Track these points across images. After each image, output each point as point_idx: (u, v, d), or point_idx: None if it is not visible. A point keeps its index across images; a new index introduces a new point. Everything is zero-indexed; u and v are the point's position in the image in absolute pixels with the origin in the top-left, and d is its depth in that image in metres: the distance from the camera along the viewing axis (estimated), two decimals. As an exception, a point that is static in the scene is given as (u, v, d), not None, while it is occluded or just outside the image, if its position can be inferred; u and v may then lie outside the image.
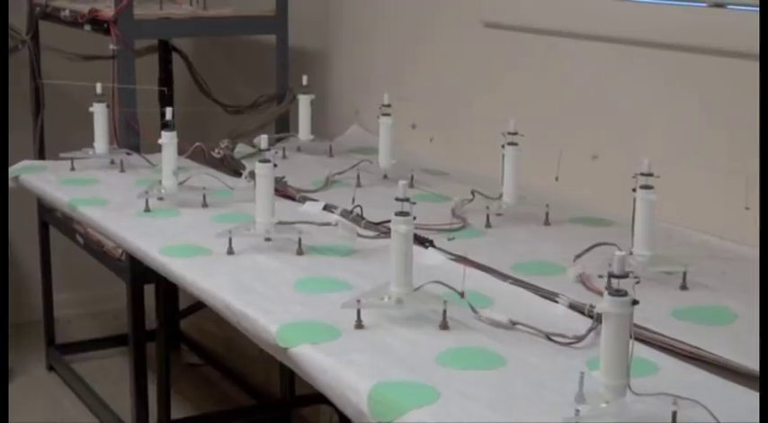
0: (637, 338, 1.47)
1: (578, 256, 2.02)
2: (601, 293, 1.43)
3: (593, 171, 2.54)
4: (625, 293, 1.38)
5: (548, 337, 1.69)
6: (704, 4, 2.32)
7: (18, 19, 3.74)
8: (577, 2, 2.63)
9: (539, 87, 2.74)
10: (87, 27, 3.21)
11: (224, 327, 2.03)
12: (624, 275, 1.38)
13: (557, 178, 2.34)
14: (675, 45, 2.35)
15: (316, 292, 1.93)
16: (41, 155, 3.72)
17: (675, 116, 2.38)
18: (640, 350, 1.57)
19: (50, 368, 3.92)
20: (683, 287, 1.94)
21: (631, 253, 1.95)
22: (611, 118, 2.54)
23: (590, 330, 1.68)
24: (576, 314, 1.79)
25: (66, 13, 3.33)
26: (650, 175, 1.94)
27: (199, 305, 3.48)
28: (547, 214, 2.37)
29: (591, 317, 1.73)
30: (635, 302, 1.39)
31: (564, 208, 2.43)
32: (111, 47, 3.08)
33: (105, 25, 3.10)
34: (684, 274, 1.94)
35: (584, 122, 2.61)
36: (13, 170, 2.95)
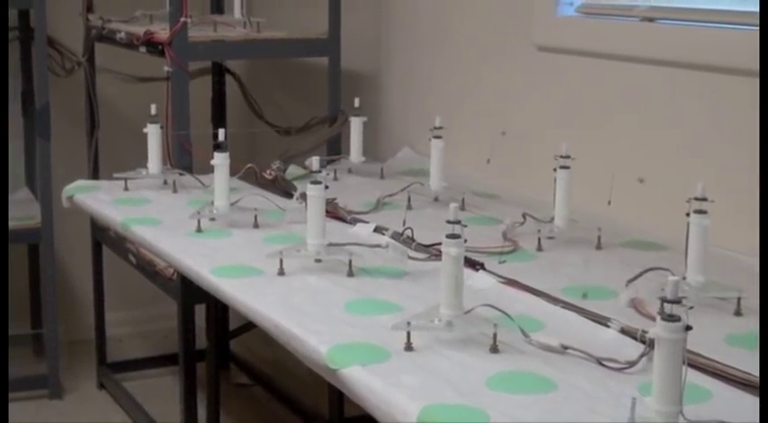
0: (690, 364, 1.45)
1: (630, 281, 2.00)
2: (652, 318, 1.42)
3: (646, 195, 2.51)
4: (678, 319, 1.37)
5: (599, 361, 1.67)
6: (757, 28, 2.30)
7: (75, 41, 3.80)
8: (629, 26, 2.62)
9: (591, 110, 2.73)
10: (142, 49, 3.25)
11: (274, 347, 2.03)
12: (677, 301, 1.37)
13: (609, 202, 2.32)
14: (728, 68, 2.33)
15: (366, 313, 1.93)
16: (95, 175, 3.76)
17: (727, 139, 2.36)
18: (693, 376, 1.55)
19: (101, 386, 3.95)
20: (738, 313, 1.91)
21: (684, 278, 1.94)
22: (665, 141, 2.52)
23: (642, 356, 1.66)
24: (627, 339, 1.77)
25: (122, 35, 3.37)
26: (704, 199, 1.92)
27: (249, 325, 3.52)
28: (599, 238, 2.35)
29: (643, 342, 1.71)
30: (688, 328, 1.37)
31: (616, 232, 2.41)
32: (166, 68, 3.11)
33: (160, 47, 3.14)
34: (739, 299, 1.92)
35: (636, 146, 2.59)
36: (67, 190, 2.98)
